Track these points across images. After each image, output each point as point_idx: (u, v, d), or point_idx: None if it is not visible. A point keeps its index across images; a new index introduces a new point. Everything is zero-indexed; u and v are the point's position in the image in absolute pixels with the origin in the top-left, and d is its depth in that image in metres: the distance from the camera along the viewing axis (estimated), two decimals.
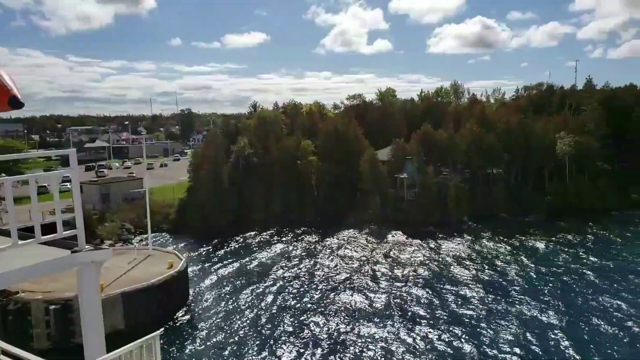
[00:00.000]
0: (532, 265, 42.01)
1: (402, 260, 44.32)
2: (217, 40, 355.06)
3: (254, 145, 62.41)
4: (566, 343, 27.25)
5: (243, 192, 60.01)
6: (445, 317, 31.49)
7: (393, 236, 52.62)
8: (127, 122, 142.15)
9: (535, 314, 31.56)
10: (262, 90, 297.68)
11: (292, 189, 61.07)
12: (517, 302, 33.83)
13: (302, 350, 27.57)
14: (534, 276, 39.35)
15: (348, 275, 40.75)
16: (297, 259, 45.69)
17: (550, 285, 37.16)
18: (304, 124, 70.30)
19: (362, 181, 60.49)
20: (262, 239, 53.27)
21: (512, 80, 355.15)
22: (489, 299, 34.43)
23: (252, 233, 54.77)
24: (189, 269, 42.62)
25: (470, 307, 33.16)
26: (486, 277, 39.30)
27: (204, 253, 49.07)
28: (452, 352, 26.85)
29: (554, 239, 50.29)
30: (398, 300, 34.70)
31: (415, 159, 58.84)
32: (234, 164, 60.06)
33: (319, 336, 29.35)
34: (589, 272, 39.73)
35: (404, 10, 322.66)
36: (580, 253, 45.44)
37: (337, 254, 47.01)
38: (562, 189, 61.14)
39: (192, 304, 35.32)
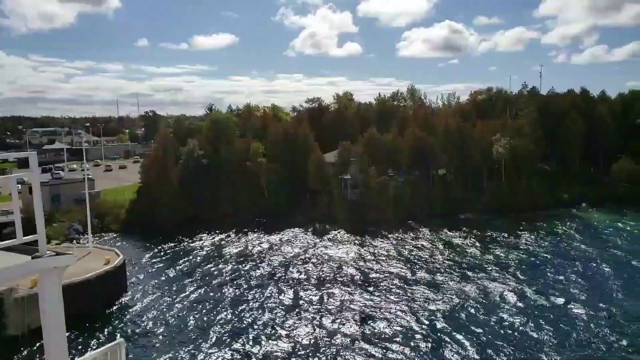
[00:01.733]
0: (462, 260, 45.00)
1: (338, 257, 46.69)
2: (186, 41, 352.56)
3: (203, 147, 64.02)
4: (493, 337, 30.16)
5: (193, 193, 61.58)
6: (375, 309, 34.02)
7: (334, 234, 55.14)
8: (87, 124, 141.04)
9: (462, 307, 34.23)
10: (233, 92, 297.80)
11: (243, 190, 62.93)
12: (445, 295, 36.59)
13: (234, 341, 29.50)
14: (464, 270, 42.09)
15: (286, 271, 42.75)
16: (241, 257, 47.36)
17: (478, 278, 40.05)
18: (255, 127, 72.30)
19: (310, 182, 62.95)
20: (209, 238, 54.95)
21: (482, 83, 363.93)
22: (419, 292, 36.99)
23: (201, 232, 56.36)
24: (132, 266, 44.46)
25: (398, 300, 35.78)
26: (417, 272, 41.78)
27: (149, 251, 50.43)
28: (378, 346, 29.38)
29: (486, 235, 53.58)
30: (329, 293, 36.88)
31: (358, 161, 61.58)
32: (183, 165, 61.56)
33: (248, 327, 31.43)
34: (515, 266, 42.84)
35: (373, 13, 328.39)
36: (510, 248, 48.68)
37: (278, 251, 49.08)
38: (498, 188, 65.00)
39: (129, 297, 36.89)
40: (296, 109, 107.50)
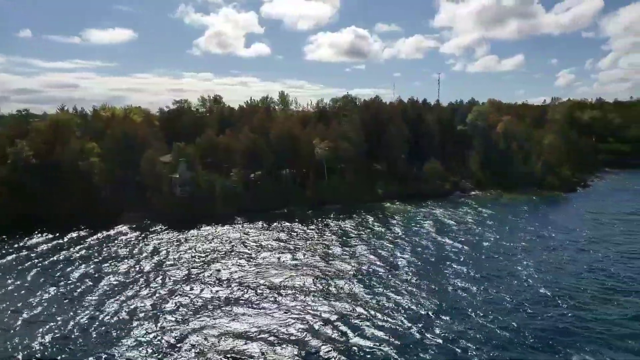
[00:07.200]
0: (272, 244, 51.86)
1: (158, 251, 51.04)
2: (77, 35, 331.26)
3: (38, 148, 65.24)
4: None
5: (23, 193, 62.63)
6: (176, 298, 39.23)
7: (158, 229, 59.59)
8: None
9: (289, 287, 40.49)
10: (137, 90, 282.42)
11: (76, 189, 65.05)
12: (256, 280, 42.76)
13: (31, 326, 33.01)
14: (272, 252, 48.91)
15: (101, 265, 46.22)
16: (60, 254, 49.68)
17: (288, 261, 46.83)
18: (97, 128, 74.56)
19: (145, 180, 66.80)
20: (32, 237, 56.56)
21: (388, 88, 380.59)
22: (232, 278, 42.78)
23: (25, 232, 57.70)
24: None
25: (201, 286, 41.37)
26: (234, 260, 47.43)
27: None
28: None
29: (299, 224, 60.96)
30: (147, 286, 41.30)
31: (188, 161, 66.62)
32: (11, 165, 62.46)
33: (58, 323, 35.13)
34: (330, 249, 50.39)
35: (277, 15, 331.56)
36: (317, 234, 56.38)
37: (96, 247, 52.42)
38: (320, 185, 73.49)
39: None
40: (163, 110, 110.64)
